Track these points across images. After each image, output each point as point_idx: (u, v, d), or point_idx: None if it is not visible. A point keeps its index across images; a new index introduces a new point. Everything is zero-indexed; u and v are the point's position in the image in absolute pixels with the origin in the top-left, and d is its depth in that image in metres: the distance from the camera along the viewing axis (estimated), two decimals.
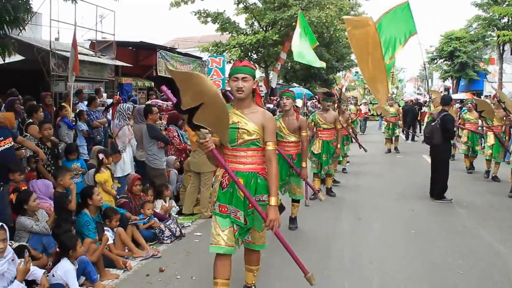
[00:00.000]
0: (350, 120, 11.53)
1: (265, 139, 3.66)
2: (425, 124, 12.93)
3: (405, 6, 10.27)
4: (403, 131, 20.57)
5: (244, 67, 3.66)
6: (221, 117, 3.49)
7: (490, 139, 10.34)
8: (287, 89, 6.74)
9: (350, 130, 11.37)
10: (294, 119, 6.31)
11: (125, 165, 7.45)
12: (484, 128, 11.02)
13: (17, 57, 10.53)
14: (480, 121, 11.14)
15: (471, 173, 11.20)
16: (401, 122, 17.30)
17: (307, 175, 6.37)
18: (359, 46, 9.40)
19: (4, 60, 7.48)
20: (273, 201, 3.58)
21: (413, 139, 19.80)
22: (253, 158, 3.70)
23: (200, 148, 3.97)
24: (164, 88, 3.64)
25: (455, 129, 9.85)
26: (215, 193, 3.79)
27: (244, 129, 3.63)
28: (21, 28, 7.50)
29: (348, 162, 11.81)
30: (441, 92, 31.63)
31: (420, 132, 20.93)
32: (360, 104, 22.07)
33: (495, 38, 25.48)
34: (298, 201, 6.58)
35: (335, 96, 9.35)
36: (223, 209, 3.68)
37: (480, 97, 24.09)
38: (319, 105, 11.40)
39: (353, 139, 11.76)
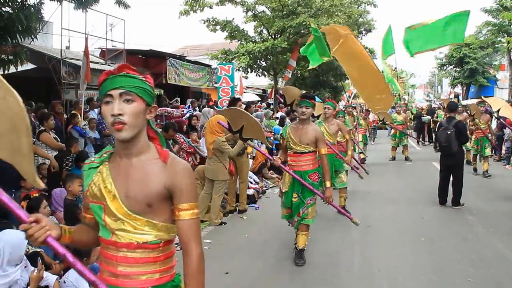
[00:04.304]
0: (352, 132, 10.20)
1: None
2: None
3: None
4: (418, 143, 20.52)
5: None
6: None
7: None
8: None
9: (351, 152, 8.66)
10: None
11: None
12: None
13: (29, 66, 10.66)
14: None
15: None
16: (410, 130, 17.25)
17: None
18: (346, 59, 9.50)
19: (16, 69, 7.57)
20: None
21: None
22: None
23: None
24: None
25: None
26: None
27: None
28: (33, 37, 7.60)
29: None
30: (451, 99, 31.50)
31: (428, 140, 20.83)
32: (368, 113, 21.99)
33: (505, 44, 25.34)
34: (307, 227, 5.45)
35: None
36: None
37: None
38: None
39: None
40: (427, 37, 10.12)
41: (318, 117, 8.95)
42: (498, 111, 10.58)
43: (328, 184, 5.30)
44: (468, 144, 12.22)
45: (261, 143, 9.68)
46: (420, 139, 20.85)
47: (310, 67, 13.38)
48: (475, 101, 27.58)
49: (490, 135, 12.12)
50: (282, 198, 5.55)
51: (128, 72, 1.92)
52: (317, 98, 8.32)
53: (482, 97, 14.64)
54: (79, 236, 2.06)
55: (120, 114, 1.84)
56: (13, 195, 5.23)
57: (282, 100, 19.20)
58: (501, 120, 11.91)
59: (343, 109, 13.48)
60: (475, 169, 12.13)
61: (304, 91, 5.80)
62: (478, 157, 12.26)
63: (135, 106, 1.89)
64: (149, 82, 1.99)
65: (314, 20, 19.11)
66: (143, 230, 1.93)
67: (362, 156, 14.09)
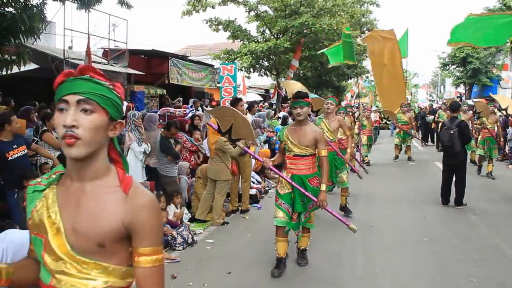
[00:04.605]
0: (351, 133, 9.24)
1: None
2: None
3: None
4: (422, 144, 20.30)
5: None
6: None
7: None
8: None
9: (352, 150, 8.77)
10: None
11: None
12: None
13: (32, 66, 10.69)
14: None
15: None
16: (414, 131, 17.14)
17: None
18: (376, 59, 9.92)
19: (19, 69, 7.60)
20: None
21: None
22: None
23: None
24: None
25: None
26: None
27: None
28: (35, 37, 7.62)
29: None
30: (454, 99, 31.42)
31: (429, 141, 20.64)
32: (370, 112, 21.93)
33: (508, 44, 25.27)
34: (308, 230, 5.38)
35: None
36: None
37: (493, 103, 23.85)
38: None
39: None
40: (476, 30, 9.60)
41: (317, 112, 8.90)
42: (506, 108, 10.53)
43: (323, 187, 4.98)
44: (473, 145, 12.18)
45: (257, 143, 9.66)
46: (423, 141, 20.54)
47: (331, 65, 14.43)
48: (477, 101, 27.58)
49: (498, 135, 11.89)
50: (278, 201, 5.13)
51: (92, 76, 1.55)
52: (313, 95, 8.29)
53: (490, 94, 14.66)
54: (22, 274, 1.62)
55: (73, 126, 1.47)
56: (16, 195, 5.24)
57: (283, 94, 19.25)
58: (510, 117, 11.83)
59: (345, 107, 13.45)
60: (479, 168, 11.91)
61: (298, 90, 5.34)
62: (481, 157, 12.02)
63: (95, 118, 1.51)
64: (117, 92, 1.59)
65: (316, 20, 19.19)
66: (89, 274, 1.52)
67: (366, 159, 13.99)
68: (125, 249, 1.57)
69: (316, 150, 5.07)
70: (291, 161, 5.13)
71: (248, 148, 7.16)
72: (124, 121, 1.64)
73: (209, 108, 10.68)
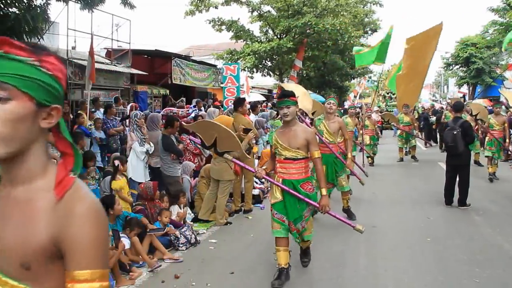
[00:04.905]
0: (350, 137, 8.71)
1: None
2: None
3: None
4: (425, 144, 20.04)
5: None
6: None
7: None
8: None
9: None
10: None
11: (127, 171, 7.33)
12: None
13: None
14: None
15: None
16: (417, 131, 17.04)
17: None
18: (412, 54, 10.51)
19: None
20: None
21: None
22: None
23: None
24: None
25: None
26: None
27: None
28: (39, 37, 7.64)
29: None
30: (458, 98, 31.32)
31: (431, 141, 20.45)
32: (371, 112, 21.78)
33: None
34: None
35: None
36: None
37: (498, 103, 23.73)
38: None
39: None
40: None
41: (313, 114, 8.85)
42: None
43: (324, 191, 4.76)
44: (477, 146, 12.07)
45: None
46: (427, 142, 20.26)
47: (357, 66, 14.80)
48: (480, 101, 27.50)
49: (506, 137, 11.50)
50: (272, 212, 4.84)
51: (8, 52, 1.14)
52: (314, 95, 8.33)
53: (499, 90, 14.67)
54: None
55: None
56: None
57: None
58: None
59: (348, 108, 13.40)
60: (490, 176, 11.10)
61: (283, 89, 5.14)
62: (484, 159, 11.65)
63: (12, 107, 1.14)
64: (47, 68, 1.19)
65: (319, 20, 19.19)
66: None
67: (369, 160, 13.92)
68: (62, 273, 1.19)
69: (309, 152, 4.74)
70: (281, 165, 4.79)
71: (251, 148, 7.17)
72: (61, 106, 1.24)
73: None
